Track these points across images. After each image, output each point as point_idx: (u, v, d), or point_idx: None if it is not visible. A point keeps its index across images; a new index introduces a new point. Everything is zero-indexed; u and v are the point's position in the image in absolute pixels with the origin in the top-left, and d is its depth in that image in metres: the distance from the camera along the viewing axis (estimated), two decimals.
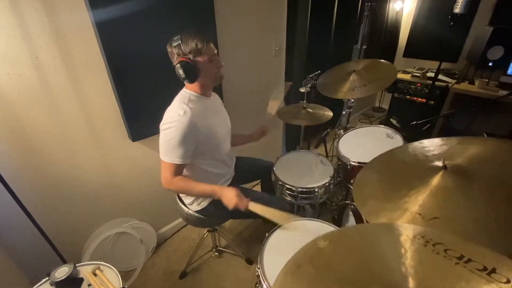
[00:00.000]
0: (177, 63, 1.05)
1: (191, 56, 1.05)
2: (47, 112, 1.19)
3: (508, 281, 0.43)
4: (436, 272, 0.49)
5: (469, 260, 0.48)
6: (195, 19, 1.43)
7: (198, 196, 1.28)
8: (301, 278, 0.53)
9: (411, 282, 0.47)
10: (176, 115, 1.08)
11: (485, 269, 0.46)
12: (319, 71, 1.85)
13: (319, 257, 0.57)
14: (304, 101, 1.77)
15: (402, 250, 0.53)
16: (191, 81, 1.10)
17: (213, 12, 1.50)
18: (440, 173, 0.75)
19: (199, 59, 1.07)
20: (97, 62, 1.24)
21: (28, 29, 1.04)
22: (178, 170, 1.14)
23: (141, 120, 1.43)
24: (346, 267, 0.54)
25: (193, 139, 1.12)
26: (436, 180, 0.74)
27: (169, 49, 1.09)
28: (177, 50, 1.05)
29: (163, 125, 1.10)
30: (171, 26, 1.34)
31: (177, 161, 1.11)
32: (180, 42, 1.04)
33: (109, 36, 1.18)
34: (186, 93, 1.16)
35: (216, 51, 1.13)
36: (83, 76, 1.23)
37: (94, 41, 1.19)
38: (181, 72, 1.05)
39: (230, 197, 1.11)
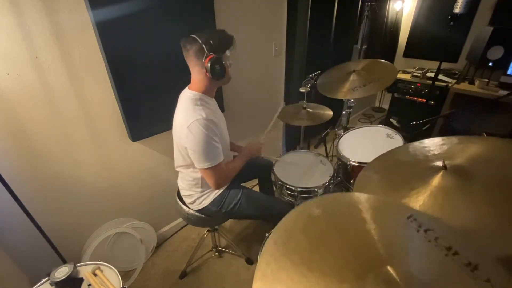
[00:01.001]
0: (210, 59, 1.05)
1: (219, 55, 1.07)
2: (47, 112, 1.19)
3: (488, 280, 0.44)
4: (427, 260, 0.49)
5: (456, 253, 0.49)
6: (195, 19, 1.43)
7: (239, 170, 1.31)
8: (294, 249, 0.51)
9: (402, 267, 0.47)
10: (197, 118, 1.07)
11: (469, 264, 0.47)
12: (319, 71, 1.85)
13: (312, 227, 0.56)
14: (304, 101, 1.77)
15: (396, 231, 0.53)
16: (220, 77, 1.11)
17: (213, 12, 1.50)
18: (440, 173, 0.75)
19: (223, 57, 1.10)
20: (97, 62, 1.24)
21: (28, 29, 1.04)
22: (222, 166, 1.18)
23: (141, 120, 1.43)
24: (339, 241, 0.53)
25: (217, 131, 1.14)
26: (436, 180, 0.74)
27: (196, 45, 1.06)
28: (208, 47, 1.05)
29: (188, 136, 1.08)
30: (171, 26, 1.34)
31: (219, 158, 1.15)
32: (212, 40, 1.05)
33: (109, 36, 1.18)
34: (195, 95, 1.15)
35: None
36: (83, 76, 1.23)
37: (94, 41, 1.19)
38: (217, 68, 1.06)
39: (256, 150, 1.40)
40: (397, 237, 0.52)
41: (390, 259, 0.48)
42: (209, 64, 1.05)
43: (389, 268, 0.46)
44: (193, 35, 1.07)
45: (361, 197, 0.63)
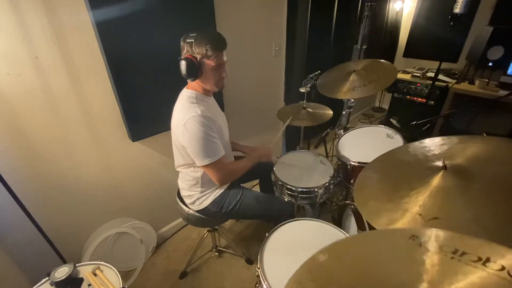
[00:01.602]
0: (183, 58, 1.05)
1: (198, 56, 1.06)
2: (47, 112, 1.19)
3: (503, 268, 0.44)
4: (434, 270, 0.49)
5: (463, 253, 0.49)
6: (195, 19, 1.43)
7: (246, 170, 1.29)
8: None
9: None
10: (192, 115, 1.07)
11: (479, 259, 0.46)
12: (319, 71, 1.85)
13: (320, 272, 0.56)
14: (304, 101, 1.77)
15: (400, 255, 0.54)
16: (190, 78, 1.10)
17: (213, 12, 1.50)
18: (440, 173, 0.75)
19: (206, 62, 1.08)
20: (97, 62, 1.24)
21: (28, 29, 1.04)
22: (224, 162, 1.17)
23: (141, 120, 1.43)
24: (348, 279, 0.54)
25: (214, 128, 1.14)
26: (436, 180, 0.74)
27: (181, 43, 1.09)
28: (188, 47, 1.06)
29: (184, 133, 1.09)
30: (171, 26, 1.34)
31: (220, 154, 1.14)
32: (193, 40, 1.04)
33: (109, 36, 1.18)
34: (191, 93, 1.16)
35: (225, 60, 1.12)
36: (83, 76, 1.23)
37: (94, 41, 1.19)
38: (183, 67, 1.05)
39: (266, 154, 1.40)
40: (403, 259, 0.53)
41: (400, 282, 0.49)
42: (180, 62, 1.06)
43: None
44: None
45: (361, 236, 0.65)
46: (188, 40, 1.06)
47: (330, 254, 0.59)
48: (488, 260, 0.46)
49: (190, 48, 1.06)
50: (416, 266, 0.50)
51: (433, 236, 0.54)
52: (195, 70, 1.07)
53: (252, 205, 1.35)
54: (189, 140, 1.09)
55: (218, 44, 1.07)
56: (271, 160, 1.44)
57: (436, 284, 0.47)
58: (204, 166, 1.15)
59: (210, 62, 1.08)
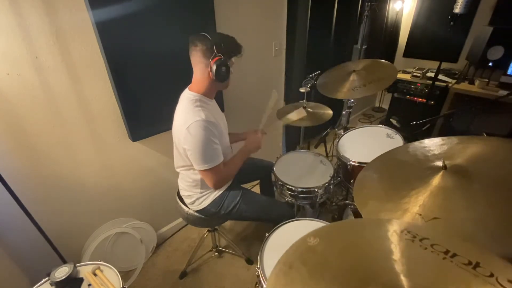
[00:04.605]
0: (217, 60, 1.05)
1: (225, 57, 1.08)
2: (47, 112, 1.19)
3: (491, 275, 0.44)
4: (426, 268, 0.50)
5: (454, 255, 0.49)
6: (195, 19, 1.43)
7: (239, 168, 1.31)
8: (294, 279, 0.53)
9: (404, 280, 0.47)
10: (196, 119, 1.07)
11: (470, 263, 0.47)
12: (319, 71, 1.85)
13: (311, 256, 0.57)
14: (304, 101, 1.77)
15: (392, 246, 0.54)
16: (223, 80, 1.11)
17: (213, 12, 1.50)
18: (440, 173, 0.75)
19: (229, 62, 1.11)
20: (97, 62, 1.24)
21: (28, 29, 1.04)
22: (221, 167, 1.17)
23: (141, 120, 1.43)
24: (339, 265, 0.54)
25: (216, 133, 1.13)
26: (436, 180, 0.74)
27: (204, 45, 1.05)
28: (217, 48, 1.05)
29: (187, 137, 1.08)
30: (171, 26, 1.34)
31: (219, 160, 1.14)
32: (221, 41, 1.06)
33: (109, 36, 1.18)
34: (194, 96, 1.15)
35: None
36: (83, 76, 1.23)
37: (94, 41, 1.19)
38: (223, 69, 1.07)
39: (256, 146, 1.36)
40: (394, 251, 0.53)
41: (389, 272, 0.49)
42: (215, 65, 1.05)
43: (389, 280, 0.47)
44: (204, 33, 1.07)
45: (354, 222, 0.66)
46: (216, 40, 1.05)
47: (321, 238, 0.60)
48: (478, 265, 0.46)
49: (220, 50, 1.05)
50: (407, 261, 0.51)
51: (426, 234, 0.54)
52: (228, 72, 1.10)
53: (251, 208, 1.34)
54: (191, 144, 1.09)
55: (239, 48, 1.14)
56: (260, 148, 1.41)
57: (424, 281, 0.47)
58: (201, 171, 1.15)
59: (230, 65, 1.13)
